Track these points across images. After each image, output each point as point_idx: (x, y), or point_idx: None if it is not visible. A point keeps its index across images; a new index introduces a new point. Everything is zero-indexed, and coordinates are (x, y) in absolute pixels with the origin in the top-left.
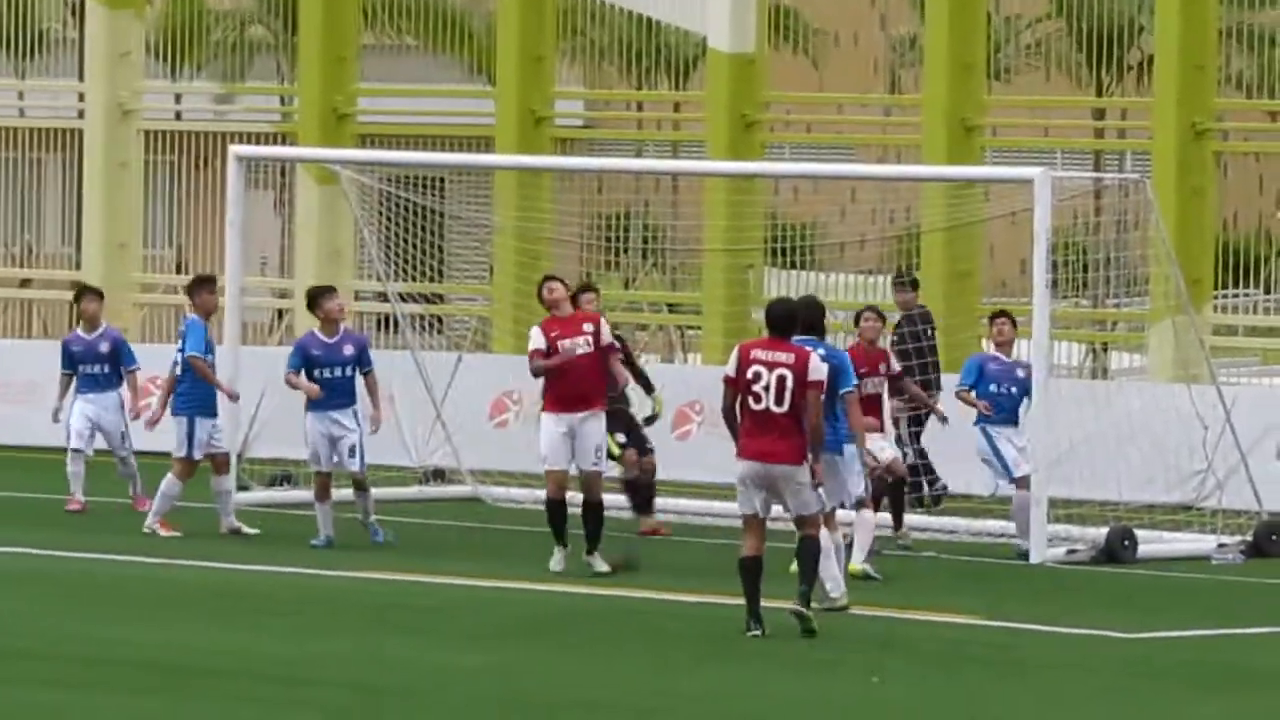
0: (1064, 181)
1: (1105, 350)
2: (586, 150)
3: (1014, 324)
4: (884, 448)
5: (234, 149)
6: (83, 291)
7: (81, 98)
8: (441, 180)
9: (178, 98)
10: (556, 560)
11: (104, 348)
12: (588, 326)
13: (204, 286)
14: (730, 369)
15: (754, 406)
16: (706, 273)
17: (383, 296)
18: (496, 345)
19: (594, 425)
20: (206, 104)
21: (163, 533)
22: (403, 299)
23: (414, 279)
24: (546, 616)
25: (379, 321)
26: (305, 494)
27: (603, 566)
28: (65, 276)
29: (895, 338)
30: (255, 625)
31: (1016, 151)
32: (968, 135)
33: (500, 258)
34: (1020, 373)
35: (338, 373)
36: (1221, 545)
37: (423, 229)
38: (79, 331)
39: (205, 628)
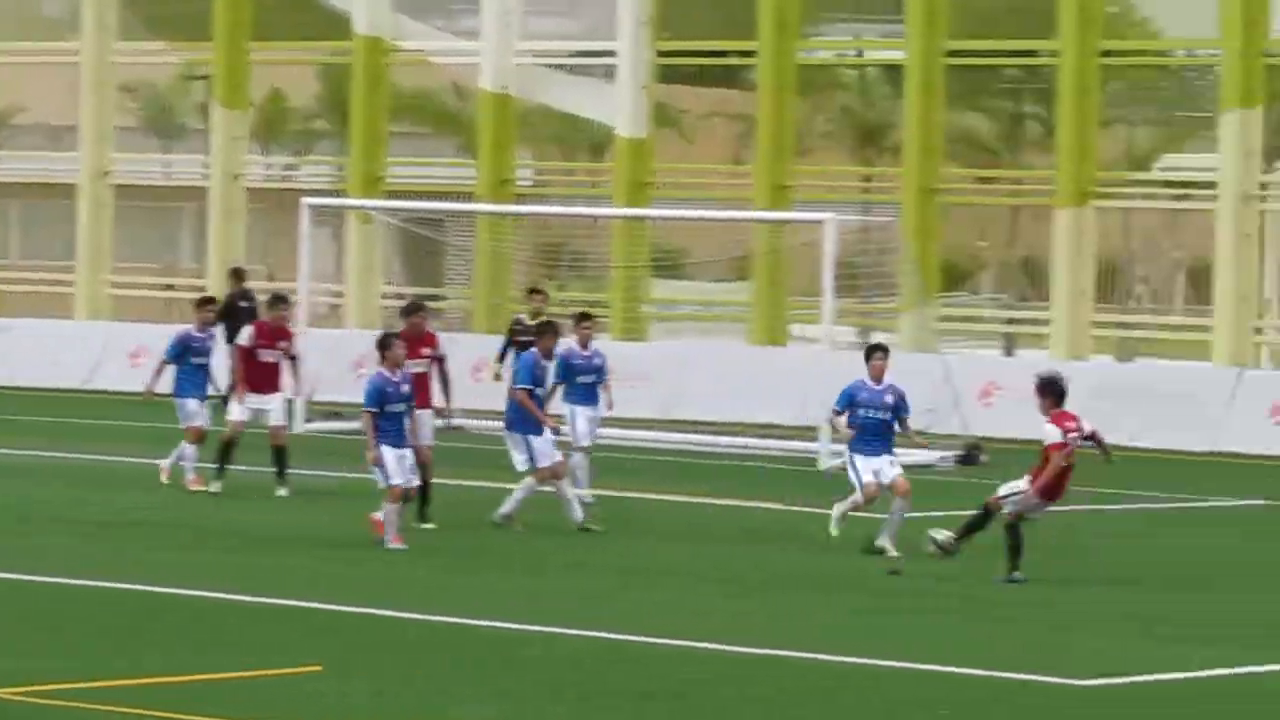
0: (843, 222)
1: (868, 331)
2: (536, 201)
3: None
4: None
5: (304, 200)
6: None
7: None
8: (442, 220)
9: (267, 166)
10: None
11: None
12: None
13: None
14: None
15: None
16: (613, 280)
17: (400, 297)
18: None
19: None
20: (285, 170)
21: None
22: (430, 299)
23: (422, 285)
24: None
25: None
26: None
27: None
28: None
29: None
30: None
31: (812, 203)
32: (782, 192)
33: (477, 272)
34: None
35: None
36: (942, 458)
37: (427, 252)
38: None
39: None
